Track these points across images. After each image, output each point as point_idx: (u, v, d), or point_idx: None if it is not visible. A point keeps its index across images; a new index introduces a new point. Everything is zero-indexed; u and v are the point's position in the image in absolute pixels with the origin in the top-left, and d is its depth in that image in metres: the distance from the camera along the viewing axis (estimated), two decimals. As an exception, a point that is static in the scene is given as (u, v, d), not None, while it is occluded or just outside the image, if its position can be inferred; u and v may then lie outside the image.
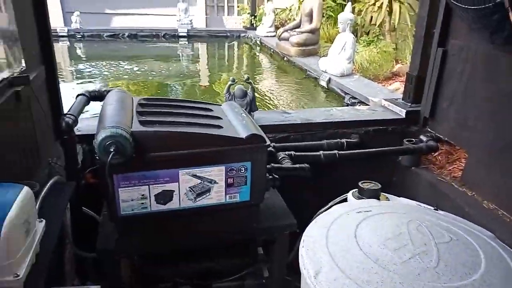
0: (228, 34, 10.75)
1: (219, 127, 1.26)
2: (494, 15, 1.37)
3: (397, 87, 4.88)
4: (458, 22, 1.73)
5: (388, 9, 6.50)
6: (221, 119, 1.34)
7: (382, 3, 6.55)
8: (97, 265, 1.31)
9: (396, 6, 6.45)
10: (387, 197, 1.51)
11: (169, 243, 1.32)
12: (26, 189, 0.93)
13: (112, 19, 10.88)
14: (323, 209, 1.56)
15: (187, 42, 10.16)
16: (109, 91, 1.48)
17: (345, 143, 1.84)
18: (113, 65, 7.45)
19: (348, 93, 4.86)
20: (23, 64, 1.42)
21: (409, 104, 2.05)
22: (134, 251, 1.31)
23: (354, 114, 2.15)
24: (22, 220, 0.87)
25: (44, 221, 1.00)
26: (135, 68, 7.36)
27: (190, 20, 10.45)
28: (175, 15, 10.51)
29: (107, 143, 1.06)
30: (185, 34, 10.18)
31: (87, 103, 1.54)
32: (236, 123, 1.30)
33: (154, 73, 7.24)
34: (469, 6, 1.50)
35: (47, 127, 1.54)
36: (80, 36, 9.48)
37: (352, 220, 1.14)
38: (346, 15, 5.45)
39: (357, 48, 5.91)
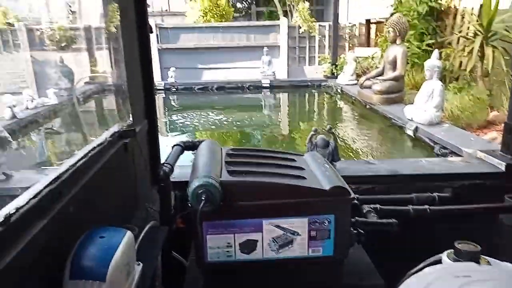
0: (309, 83, 10.99)
1: (303, 178, 1.28)
2: None
3: (494, 136, 4.47)
4: None
5: (479, 54, 6.14)
6: (304, 169, 1.36)
7: (473, 48, 6.22)
8: None
9: (489, 50, 6.07)
10: (488, 261, 1.37)
11: None
12: (129, 233, 1.02)
13: (203, 73, 11.90)
14: (413, 270, 1.46)
15: (269, 92, 10.61)
16: (201, 141, 1.61)
17: (436, 197, 1.71)
18: (203, 115, 8.06)
19: (438, 143, 4.57)
20: (131, 118, 1.63)
21: (509, 156, 1.91)
22: None
23: (446, 166, 2.04)
24: (124, 263, 0.96)
25: (141, 264, 1.09)
26: (223, 118, 7.86)
27: (273, 72, 10.96)
28: (259, 67, 11.16)
29: (199, 192, 1.13)
30: (268, 85, 10.66)
31: (181, 152, 1.67)
32: (319, 174, 1.32)
33: (238, 122, 7.65)
34: None
35: (146, 175, 1.71)
36: (174, 89, 10.50)
37: (448, 286, 1.06)
38: (433, 62, 5.26)
39: (446, 95, 5.61)
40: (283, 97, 10.76)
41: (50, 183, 0.93)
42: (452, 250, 1.39)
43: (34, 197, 0.86)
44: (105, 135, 1.42)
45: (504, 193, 1.74)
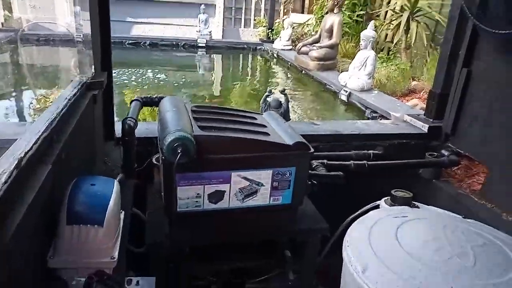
0: (245, 46, 10.97)
1: (267, 134, 1.37)
2: None
3: (415, 103, 5.00)
4: (484, 44, 1.85)
5: (405, 27, 6.65)
6: (266, 126, 1.45)
7: (400, 22, 6.70)
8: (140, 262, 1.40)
9: (413, 25, 6.60)
10: (417, 206, 1.62)
11: (216, 238, 1.43)
12: (116, 182, 1.07)
13: (133, 27, 11.18)
14: (354, 214, 1.67)
15: (205, 53, 10.39)
16: (159, 97, 1.63)
17: (371, 154, 1.91)
18: (137, 73, 7.67)
19: (368, 107, 4.98)
20: (93, 70, 1.58)
21: (431, 120, 2.15)
22: (184, 244, 1.41)
23: (378, 128, 2.26)
24: (116, 209, 1.01)
25: (123, 212, 1.14)
26: (159, 77, 7.57)
27: (210, 31, 10.70)
28: (194, 25, 10.79)
29: (175, 145, 1.16)
30: (203, 45, 10.42)
31: (141, 107, 1.67)
32: (280, 131, 1.41)
33: (175, 83, 7.45)
34: (497, 30, 1.64)
35: (101, 129, 1.66)
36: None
37: (391, 224, 1.25)
38: (368, 33, 5.61)
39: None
40: (220, 58, 10.62)
41: (44, 130, 0.93)
42: (389, 197, 1.62)
43: (35, 142, 0.86)
44: (73, 85, 1.39)
45: (425, 151, 1.99)
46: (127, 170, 1.58)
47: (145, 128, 1.80)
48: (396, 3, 7.82)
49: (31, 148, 0.83)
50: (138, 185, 1.59)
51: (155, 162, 1.52)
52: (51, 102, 2.71)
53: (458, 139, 1.99)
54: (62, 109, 1.10)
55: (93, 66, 1.58)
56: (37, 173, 0.85)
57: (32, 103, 2.99)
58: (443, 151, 1.97)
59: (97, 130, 1.61)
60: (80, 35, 1.90)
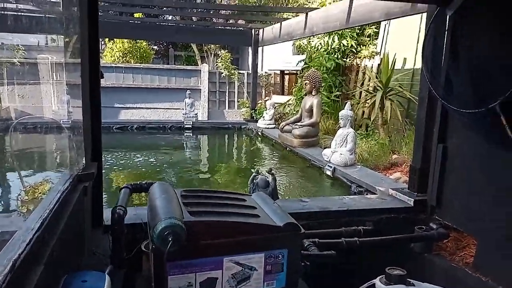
0: (230, 125, 11.39)
1: (257, 216, 1.35)
2: (488, 118, 1.59)
3: (398, 176, 5.16)
4: (456, 121, 1.94)
5: (380, 105, 7.12)
6: (256, 208, 1.45)
7: (375, 101, 7.20)
8: None
9: (387, 103, 7.08)
10: (413, 283, 1.59)
11: None
12: (108, 278, 1.06)
13: (120, 112, 11.53)
14: None
15: (191, 134, 10.69)
16: (149, 183, 1.63)
17: (361, 230, 1.91)
18: (126, 156, 7.76)
19: (354, 182, 5.12)
20: (83, 161, 1.63)
21: (415, 193, 2.20)
22: None
23: (366, 203, 2.31)
24: None
25: None
26: (147, 159, 7.68)
27: (196, 114, 11.14)
28: (180, 108, 11.24)
29: (166, 233, 1.13)
30: (190, 126, 10.76)
31: (130, 194, 1.67)
32: (269, 212, 1.41)
33: (163, 164, 7.55)
34: (464, 110, 1.79)
35: (89, 217, 1.66)
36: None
37: None
38: (346, 112, 6.01)
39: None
40: (207, 138, 10.90)
41: (38, 229, 0.93)
42: (383, 276, 1.60)
43: (28, 243, 0.86)
44: (64, 177, 1.42)
45: (414, 224, 2.01)
46: (116, 260, 1.54)
47: (133, 213, 1.77)
48: (369, 84, 8.47)
49: (24, 249, 0.82)
50: (127, 274, 1.54)
51: (144, 250, 1.48)
52: (40, 193, 2.69)
53: (444, 211, 2.02)
54: (55, 205, 1.11)
55: (83, 158, 1.63)
56: (31, 274, 0.85)
57: (20, 195, 2.96)
58: (431, 224, 1.99)
59: (86, 220, 1.60)
60: (68, 122, 1.97)
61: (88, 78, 1.59)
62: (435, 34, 1.98)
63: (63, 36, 1.78)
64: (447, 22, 1.89)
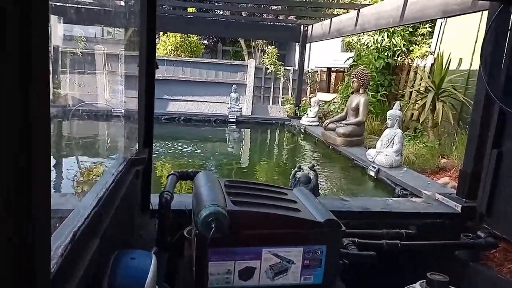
0: (273, 121, 11.41)
1: (298, 210, 1.36)
2: None
3: (446, 181, 4.95)
4: None
5: (431, 107, 6.83)
6: (297, 202, 1.46)
7: (425, 102, 6.91)
8: None
9: (439, 105, 6.77)
10: None
11: None
12: (154, 257, 1.11)
13: (169, 104, 11.95)
14: None
15: (235, 127, 10.86)
16: (195, 172, 1.69)
17: (404, 233, 1.87)
18: (173, 146, 8.04)
19: (398, 184, 4.97)
20: (136, 147, 1.73)
21: (464, 199, 2.13)
22: None
23: (410, 206, 2.25)
24: (153, 283, 1.05)
25: (157, 287, 1.16)
26: (195, 150, 7.91)
27: (240, 108, 11.28)
28: (225, 102, 11.45)
29: (209, 220, 1.17)
30: (234, 120, 10.93)
31: (177, 181, 1.73)
32: (310, 208, 1.42)
33: (208, 155, 7.76)
34: None
35: (139, 201, 1.74)
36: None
37: None
38: (395, 112, 5.82)
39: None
40: (249, 133, 11.03)
41: (95, 206, 1.00)
42: (424, 281, 1.57)
43: (87, 217, 0.93)
44: (118, 161, 1.51)
45: (460, 231, 1.94)
46: (161, 243, 1.60)
47: (178, 200, 1.81)
48: (420, 84, 8.13)
49: (83, 223, 0.89)
50: (169, 257, 1.61)
51: (186, 236, 1.55)
52: (95, 175, 2.87)
53: (494, 220, 1.95)
54: (110, 185, 1.18)
55: (137, 144, 1.72)
56: (88, 247, 0.91)
57: (76, 176, 3.17)
58: (479, 233, 1.92)
59: (136, 203, 1.70)
60: (121, 110, 2.09)
61: (145, 69, 1.68)
62: (496, 33, 1.90)
63: (121, 29, 1.89)
64: (511, 22, 1.80)
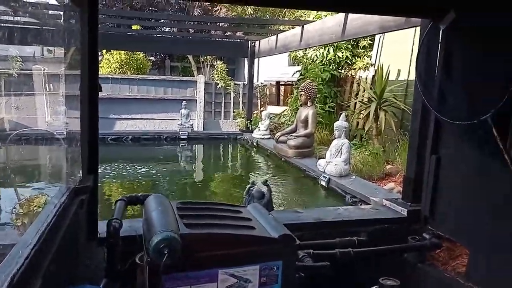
0: (226, 136, 11.42)
1: (252, 228, 1.36)
2: (480, 129, 1.65)
3: (392, 186, 5.19)
4: (449, 133, 1.97)
5: (374, 116, 7.19)
6: (251, 220, 1.45)
7: (369, 111, 7.27)
8: None
9: (382, 114, 7.16)
10: None
11: None
12: None
13: (116, 123, 11.52)
14: None
15: (186, 144, 10.70)
16: (145, 195, 1.63)
17: (355, 240, 1.90)
18: (120, 167, 7.71)
19: (348, 193, 5.14)
20: (80, 174, 1.64)
21: (409, 203, 2.21)
22: None
23: (360, 214, 2.32)
24: None
25: None
26: (143, 170, 7.65)
27: (191, 124, 11.16)
28: (176, 119, 11.26)
29: (162, 246, 1.13)
30: (185, 137, 10.77)
31: (125, 207, 1.67)
32: (265, 224, 1.42)
33: (159, 174, 7.54)
34: (457, 122, 1.82)
35: (84, 230, 1.65)
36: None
37: None
38: (341, 123, 6.07)
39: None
40: (202, 149, 10.92)
41: (36, 244, 0.94)
42: (377, 286, 1.61)
43: (27, 257, 0.87)
44: (61, 191, 1.42)
45: (408, 234, 2.03)
46: (111, 273, 1.53)
47: (128, 226, 1.76)
48: (363, 95, 8.55)
49: (22, 264, 0.83)
50: (121, 287, 1.53)
51: (139, 262, 1.47)
52: (36, 206, 2.68)
53: (437, 221, 2.04)
54: (52, 219, 1.11)
55: (81, 171, 1.63)
56: None
57: (15, 208, 2.94)
58: (424, 235, 2.00)
59: (81, 232, 1.60)
60: (63, 133, 1.97)
61: (87, 89, 1.61)
62: (428, 47, 2.03)
63: (62, 48, 1.80)
64: (440, 36, 1.93)
